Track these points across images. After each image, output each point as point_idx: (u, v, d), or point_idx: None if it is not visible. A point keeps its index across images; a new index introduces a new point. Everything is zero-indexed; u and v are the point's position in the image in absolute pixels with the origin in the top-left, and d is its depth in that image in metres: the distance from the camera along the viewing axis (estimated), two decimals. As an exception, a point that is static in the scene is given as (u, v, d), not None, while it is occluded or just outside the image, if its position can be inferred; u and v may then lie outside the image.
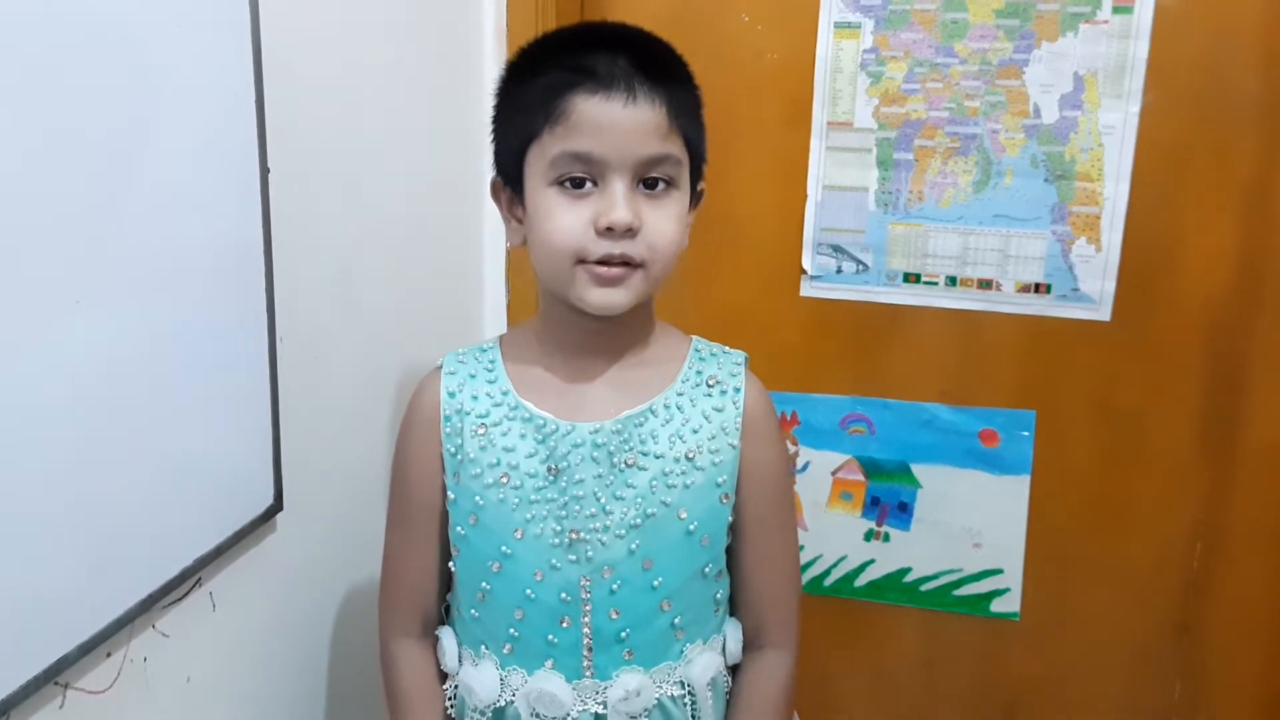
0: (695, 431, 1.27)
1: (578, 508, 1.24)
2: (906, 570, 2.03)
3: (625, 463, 1.25)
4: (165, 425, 1.09)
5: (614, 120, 1.15)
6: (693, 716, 1.31)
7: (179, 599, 1.17)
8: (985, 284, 1.87)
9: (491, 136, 1.29)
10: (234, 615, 1.29)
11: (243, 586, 1.30)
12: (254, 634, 1.34)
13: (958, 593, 2.01)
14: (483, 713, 1.30)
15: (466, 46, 1.82)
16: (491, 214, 1.89)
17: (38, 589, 0.94)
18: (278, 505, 1.32)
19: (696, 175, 1.27)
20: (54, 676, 0.97)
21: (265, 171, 1.22)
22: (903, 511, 2.00)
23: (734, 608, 1.38)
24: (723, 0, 1.89)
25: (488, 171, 1.86)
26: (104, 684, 1.07)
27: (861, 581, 2.05)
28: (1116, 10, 1.72)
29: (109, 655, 1.07)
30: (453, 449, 1.30)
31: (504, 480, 1.26)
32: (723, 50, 1.89)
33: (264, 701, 1.38)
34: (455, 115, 1.80)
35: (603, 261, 1.17)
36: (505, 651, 1.29)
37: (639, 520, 1.24)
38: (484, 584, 1.28)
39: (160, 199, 1.04)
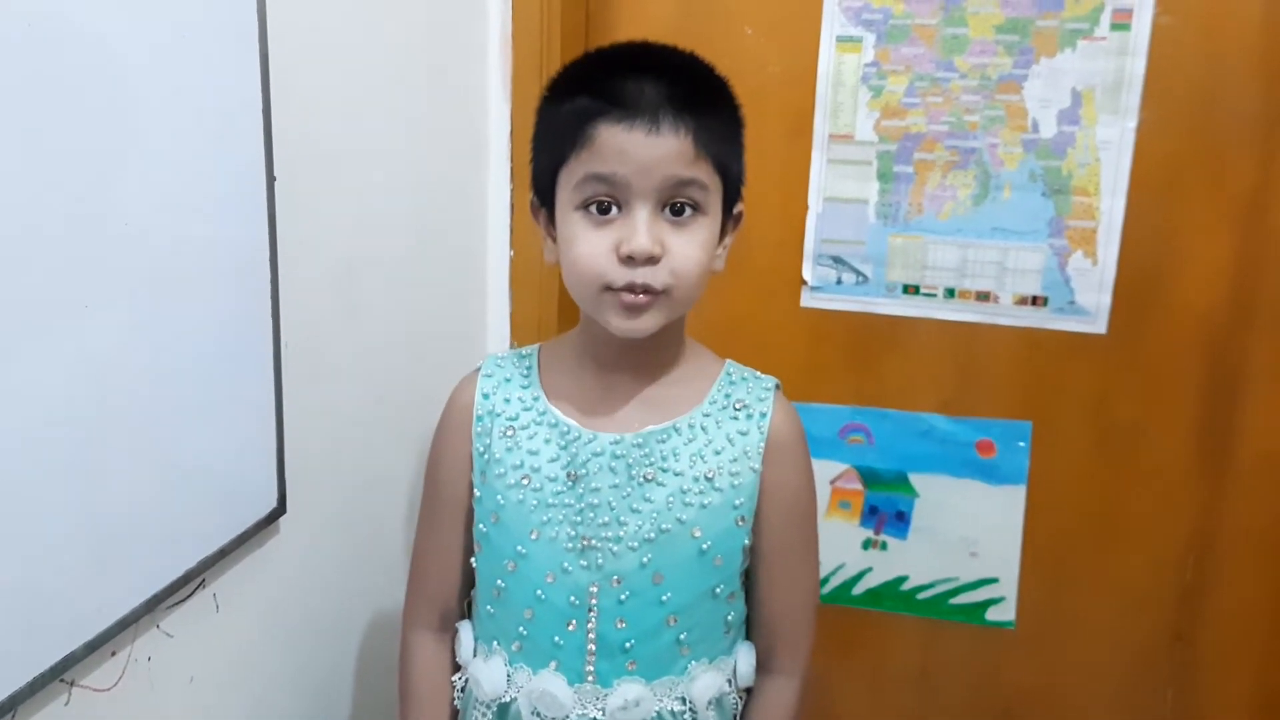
0: (717, 453, 1.29)
1: (593, 515, 1.27)
2: (903, 579, 2.04)
3: (644, 477, 1.27)
4: (170, 428, 1.11)
5: (637, 148, 1.15)
6: None
7: (183, 600, 1.19)
8: (983, 296, 1.88)
9: (530, 157, 1.31)
10: (237, 616, 1.30)
11: (245, 588, 1.31)
12: (256, 635, 1.36)
13: (954, 601, 2.02)
14: (488, 706, 1.33)
15: (472, 57, 1.84)
16: (495, 223, 1.92)
17: (44, 588, 0.96)
18: (281, 508, 1.34)
19: (733, 198, 1.28)
20: (60, 674, 0.99)
21: (271, 179, 1.24)
22: (900, 520, 2.01)
23: (748, 630, 1.40)
24: (726, 13, 1.91)
25: (492, 181, 1.91)
26: (109, 682, 1.09)
27: (859, 590, 2.06)
28: (1114, 27, 1.73)
29: (114, 654, 1.09)
30: (481, 448, 1.33)
31: (525, 482, 1.29)
32: (725, 63, 1.86)
33: (265, 702, 1.40)
34: (461, 124, 1.82)
35: (627, 289, 1.18)
36: (514, 649, 1.31)
37: (653, 535, 1.26)
38: (500, 581, 1.31)
39: (167, 206, 1.06)
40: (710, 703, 1.32)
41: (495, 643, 1.33)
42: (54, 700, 1.01)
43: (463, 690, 1.39)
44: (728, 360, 1.37)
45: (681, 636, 1.29)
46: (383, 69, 1.53)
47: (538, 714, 1.29)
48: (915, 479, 1.99)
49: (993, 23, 1.79)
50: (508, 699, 1.32)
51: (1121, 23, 1.73)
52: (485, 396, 1.34)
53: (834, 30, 1.86)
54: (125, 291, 1.02)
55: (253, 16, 1.18)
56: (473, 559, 1.37)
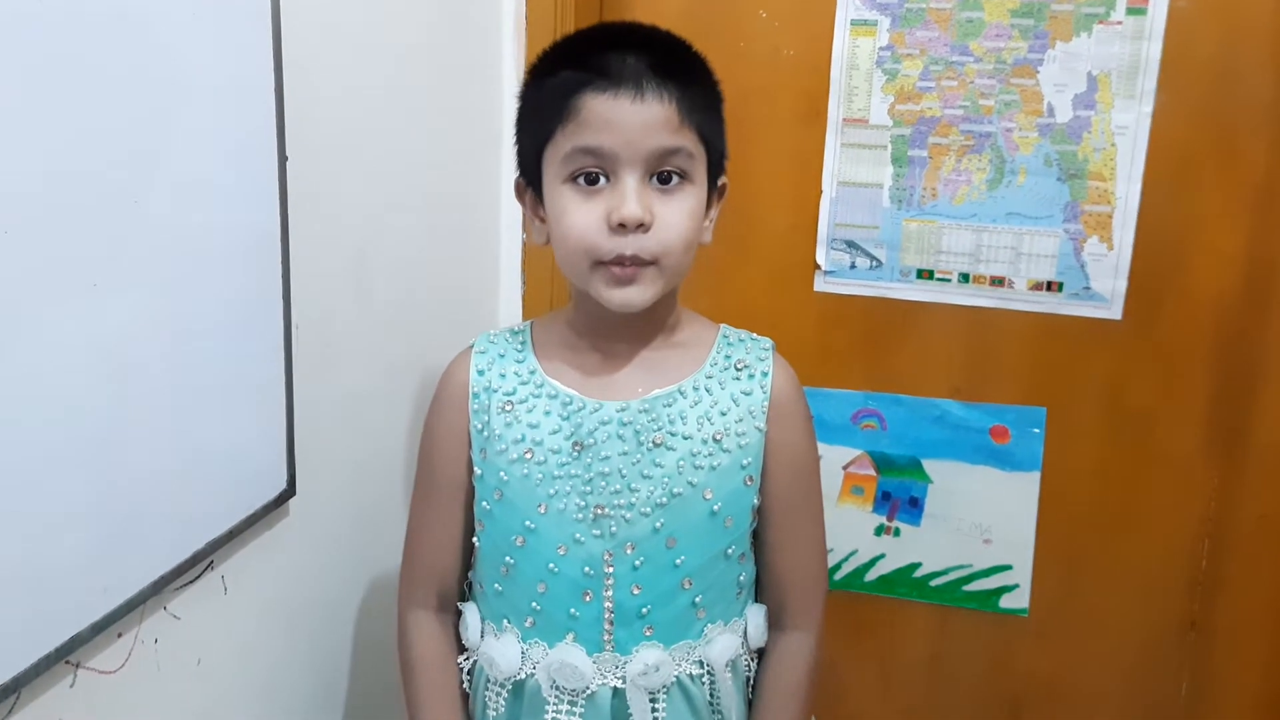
0: (723, 414, 1.30)
1: (603, 484, 1.27)
2: (916, 565, 2.04)
3: (653, 442, 1.28)
4: (181, 410, 1.11)
5: (623, 116, 1.17)
6: (711, 696, 1.34)
7: (191, 581, 1.19)
8: (997, 281, 1.88)
9: (514, 139, 1.32)
10: (245, 599, 1.30)
11: (254, 570, 1.31)
12: (264, 617, 1.36)
13: (967, 588, 2.02)
14: (503, 685, 1.34)
15: (485, 38, 1.84)
16: (508, 205, 1.92)
17: (51, 569, 0.96)
18: (290, 490, 1.34)
19: (717, 170, 1.29)
20: (65, 655, 0.99)
21: (284, 160, 1.23)
22: (913, 506, 2.01)
23: (760, 590, 1.41)
24: (740, -4, 1.91)
25: (505, 162, 1.91)
26: (115, 664, 1.08)
27: (872, 576, 2.06)
28: (1130, 11, 1.72)
29: (120, 636, 1.09)
30: (479, 425, 1.33)
31: (528, 456, 1.29)
32: (740, 46, 1.89)
33: (273, 684, 1.40)
34: (473, 106, 1.82)
35: (616, 262, 1.20)
36: (527, 625, 1.32)
37: (665, 499, 1.27)
38: (508, 558, 1.31)
39: (180, 186, 1.06)
40: (727, 665, 1.34)
41: (506, 621, 1.33)
42: (59, 682, 1.01)
43: (469, 674, 1.39)
44: (722, 324, 1.39)
45: (697, 599, 1.30)
46: (396, 51, 1.53)
47: (557, 687, 1.30)
48: (929, 465, 1.99)
49: (1008, 6, 1.78)
50: (522, 676, 1.32)
51: (1137, 7, 1.72)
52: (480, 373, 1.35)
53: (848, 14, 1.85)
54: (135, 271, 1.01)
55: (265, -2, 1.18)
56: (475, 538, 1.37)
